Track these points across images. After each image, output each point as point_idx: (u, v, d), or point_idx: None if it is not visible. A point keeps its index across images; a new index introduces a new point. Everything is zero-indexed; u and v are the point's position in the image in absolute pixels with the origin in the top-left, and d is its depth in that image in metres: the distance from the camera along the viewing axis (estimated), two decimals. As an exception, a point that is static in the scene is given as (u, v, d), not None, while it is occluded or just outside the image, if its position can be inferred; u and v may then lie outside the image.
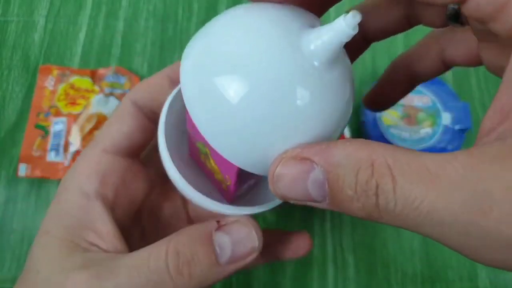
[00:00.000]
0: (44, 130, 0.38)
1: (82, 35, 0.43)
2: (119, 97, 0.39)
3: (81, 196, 0.20)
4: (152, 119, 0.22)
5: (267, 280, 0.36)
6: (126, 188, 0.22)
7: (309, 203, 0.15)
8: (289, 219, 0.37)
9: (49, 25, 0.43)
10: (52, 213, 0.20)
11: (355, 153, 0.13)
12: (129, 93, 0.22)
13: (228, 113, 0.14)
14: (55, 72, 0.40)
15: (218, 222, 0.19)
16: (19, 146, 0.38)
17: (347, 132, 0.36)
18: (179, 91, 0.21)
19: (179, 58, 0.45)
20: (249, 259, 0.19)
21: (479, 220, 0.11)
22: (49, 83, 0.40)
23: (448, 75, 0.42)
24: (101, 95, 0.39)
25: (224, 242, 0.18)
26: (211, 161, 0.20)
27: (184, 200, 0.26)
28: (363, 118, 0.38)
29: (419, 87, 0.39)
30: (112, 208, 0.21)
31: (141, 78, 0.41)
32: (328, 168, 0.13)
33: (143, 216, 0.24)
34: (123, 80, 0.40)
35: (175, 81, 0.22)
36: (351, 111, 0.18)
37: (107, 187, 0.21)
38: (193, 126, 0.17)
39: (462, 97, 0.41)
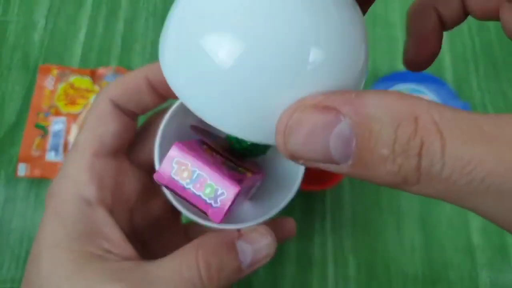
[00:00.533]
0: (44, 130, 0.38)
1: (82, 35, 0.43)
2: (119, 97, 0.39)
3: (82, 203, 0.20)
4: (132, 117, 0.22)
5: (268, 279, 0.36)
6: (120, 190, 0.22)
7: (324, 166, 0.12)
8: (289, 219, 0.37)
9: (49, 25, 0.43)
10: (54, 225, 0.19)
11: (394, 105, 0.11)
12: (106, 93, 0.22)
13: (227, 64, 0.11)
14: (55, 71, 0.40)
15: (239, 231, 0.20)
16: (19, 146, 0.38)
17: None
18: (174, 111, 0.21)
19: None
20: (265, 262, 0.20)
21: None
22: (49, 82, 0.40)
23: (449, 75, 0.42)
24: (100, 95, 0.39)
25: (246, 250, 0.20)
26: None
27: None
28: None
29: (419, 87, 0.39)
30: (111, 211, 0.21)
31: (141, 78, 0.41)
32: (359, 121, 0.11)
33: (135, 217, 0.24)
34: (123, 79, 0.40)
35: (152, 82, 0.22)
36: (367, 63, 0.14)
37: (104, 191, 0.21)
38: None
39: (462, 96, 0.41)
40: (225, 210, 0.18)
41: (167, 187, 0.18)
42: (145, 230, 0.24)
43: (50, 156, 0.37)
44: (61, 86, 0.40)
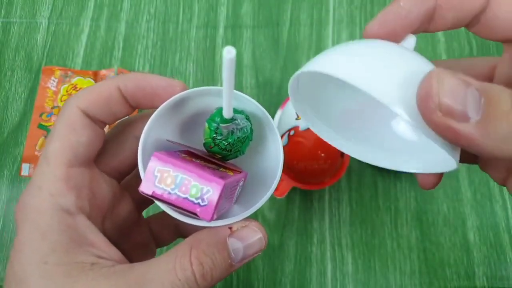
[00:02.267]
0: (47, 130, 0.39)
1: (84, 37, 0.43)
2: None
3: (63, 214, 0.19)
4: (101, 126, 0.22)
5: (267, 277, 0.36)
6: (95, 197, 0.22)
7: (453, 125, 0.15)
8: (289, 218, 0.38)
9: (52, 27, 0.44)
10: (36, 240, 0.19)
11: (501, 86, 0.15)
12: (75, 100, 0.21)
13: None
14: (58, 73, 0.41)
15: (230, 228, 0.21)
16: (22, 146, 0.39)
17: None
18: (149, 126, 0.21)
19: (180, 58, 0.46)
20: (257, 255, 0.21)
21: None
22: (51, 83, 0.41)
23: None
24: (103, 96, 0.40)
25: (238, 248, 0.20)
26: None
27: (136, 201, 0.27)
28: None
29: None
30: (89, 218, 0.21)
31: (143, 79, 0.42)
32: (484, 88, 0.15)
33: (106, 221, 0.24)
34: (125, 81, 0.41)
35: (123, 92, 0.22)
36: None
37: (82, 200, 0.21)
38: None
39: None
40: (213, 207, 0.18)
41: (153, 197, 0.19)
42: (115, 234, 0.24)
43: (54, 156, 0.37)
44: (63, 87, 0.40)
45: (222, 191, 0.18)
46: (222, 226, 0.21)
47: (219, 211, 0.20)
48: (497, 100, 0.15)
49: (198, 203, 0.18)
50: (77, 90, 0.40)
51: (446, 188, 0.39)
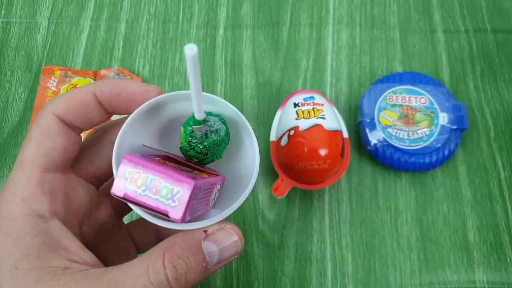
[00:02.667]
0: (47, 130, 0.39)
1: (84, 37, 0.43)
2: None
3: (35, 219, 0.19)
4: (77, 132, 0.22)
5: (267, 277, 0.36)
6: (70, 203, 0.22)
7: None
8: (289, 218, 0.38)
9: (52, 27, 0.44)
10: (8, 246, 0.19)
11: None
12: (51, 107, 0.21)
13: None
14: (58, 73, 0.41)
15: (205, 231, 0.20)
16: (22, 146, 0.39)
17: (345, 133, 0.37)
18: (126, 126, 0.21)
19: (180, 58, 0.46)
20: (234, 259, 0.21)
21: None
22: (51, 83, 0.41)
23: (445, 76, 0.43)
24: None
25: (213, 251, 0.20)
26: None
27: (116, 207, 0.27)
28: (360, 119, 0.39)
29: (416, 88, 0.39)
30: (64, 223, 0.21)
31: (143, 78, 0.42)
32: None
33: (84, 226, 0.24)
34: (125, 81, 0.41)
35: (99, 98, 0.22)
36: None
37: (57, 205, 0.21)
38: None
39: (459, 97, 0.42)
40: (184, 207, 0.18)
41: (124, 199, 0.19)
42: (93, 238, 0.24)
43: (54, 156, 0.37)
44: (63, 87, 0.40)
45: (192, 191, 0.18)
46: (197, 229, 0.21)
47: (193, 213, 0.20)
48: None
49: (169, 204, 0.18)
50: (77, 90, 0.40)
51: (446, 188, 0.39)
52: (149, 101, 0.22)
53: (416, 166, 0.38)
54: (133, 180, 0.19)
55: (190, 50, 0.16)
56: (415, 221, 0.38)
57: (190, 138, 0.21)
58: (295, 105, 0.36)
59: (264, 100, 0.42)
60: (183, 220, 0.18)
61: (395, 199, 0.39)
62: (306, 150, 0.34)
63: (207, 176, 0.21)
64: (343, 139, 0.36)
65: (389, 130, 0.38)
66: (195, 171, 0.21)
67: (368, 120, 0.38)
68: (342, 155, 0.36)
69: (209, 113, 0.22)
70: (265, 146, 0.39)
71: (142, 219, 0.28)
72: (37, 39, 0.43)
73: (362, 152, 0.40)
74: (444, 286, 0.36)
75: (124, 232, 0.27)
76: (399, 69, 0.43)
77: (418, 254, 0.37)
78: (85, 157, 0.24)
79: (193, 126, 0.21)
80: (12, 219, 0.19)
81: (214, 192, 0.23)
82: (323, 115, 0.35)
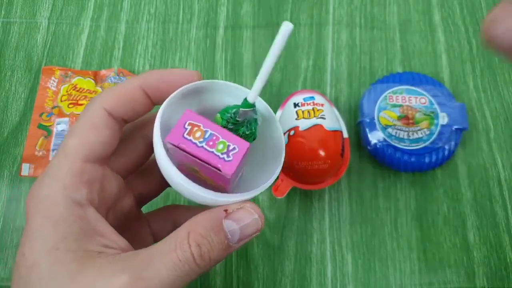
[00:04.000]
0: (47, 130, 0.39)
1: (84, 37, 0.43)
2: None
3: (74, 206, 0.21)
4: (120, 125, 0.24)
5: (267, 277, 0.36)
6: (104, 192, 0.23)
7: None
8: (289, 218, 0.38)
9: (52, 27, 0.44)
10: (49, 229, 0.20)
11: None
12: (100, 100, 0.23)
13: None
14: (58, 73, 0.41)
15: (225, 210, 0.21)
16: (22, 146, 0.39)
17: (345, 133, 0.37)
18: (166, 106, 0.22)
19: (180, 58, 0.46)
20: (255, 236, 0.22)
21: None
22: (51, 83, 0.41)
23: (445, 76, 0.43)
24: (103, 96, 0.40)
25: (234, 229, 0.21)
26: (202, 175, 0.22)
27: (136, 198, 0.28)
28: (360, 119, 0.39)
29: (416, 88, 0.39)
30: (97, 211, 0.22)
31: (143, 79, 0.42)
32: None
33: (110, 215, 0.25)
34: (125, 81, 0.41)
35: (146, 90, 0.23)
36: None
37: (93, 193, 0.22)
38: (184, 156, 0.20)
39: (459, 97, 0.42)
40: (237, 163, 0.20)
41: (178, 147, 0.20)
42: (115, 226, 0.25)
43: (54, 156, 0.38)
44: (63, 87, 0.40)
45: (247, 151, 0.20)
46: (219, 207, 0.22)
47: (236, 175, 0.21)
48: None
49: (223, 158, 0.20)
50: (77, 90, 0.40)
51: (446, 188, 0.39)
52: (190, 84, 0.23)
53: (416, 166, 0.38)
54: (192, 132, 0.20)
55: (287, 25, 0.18)
56: (415, 221, 0.38)
57: (226, 124, 0.22)
58: (295, 105, 0.36)
59: (264, 100, 0.42)
60: (232, 175, 0.20)
61: (395, 199, 0.39)
62: (306, 150, 0.34)
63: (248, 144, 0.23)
64: (343, 139, 0.36)
65: (389, 130, 0.38)
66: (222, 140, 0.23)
67: (368, 120, 0.38)
68: (342, 155, 0.36)
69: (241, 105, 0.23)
70: (265, 146, 0.39)
71: (160, 210, 0.30)
72: (37, 39, 0.43)
73: (362, 152, 0.40)
74: (444, 286, 0.36)
75: (143, 222, 0.28)
76: (399, 69, 0.43)
77: (418, 254, 0.37)
78: (117, 150, 0.25)
79: (241, 109, 0.22)
80: (53, 204, 0.20)
81: (242, 167, 0.23)
82: (323, 115, 0.35)
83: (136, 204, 0.27)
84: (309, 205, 0.38)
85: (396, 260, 0.37)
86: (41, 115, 0.39)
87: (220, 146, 0.20)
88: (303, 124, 0.35)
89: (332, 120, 0.35)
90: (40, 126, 0.39)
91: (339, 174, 0.36)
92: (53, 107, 0.40)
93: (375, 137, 0.38)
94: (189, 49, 0.43)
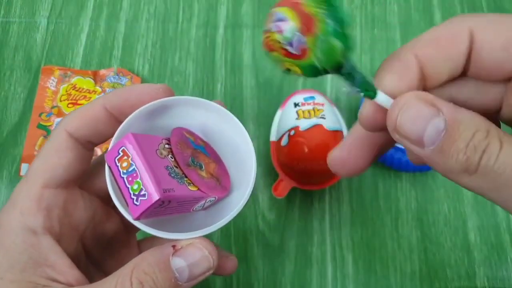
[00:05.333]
0: (46, 130, 0.39)
1: (83, 36, 0.43)
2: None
3: (28, 233, 0.20)
4: (88, 148, 0.23)
5: (267, 277, 0.36)
6: (69, 218, 0.22)
7: (411, 146, 0.16)
8: (289, 219, 0.38)
9: (51, 26, 0.44)
10: (0, 256, 0.20)
11: (478, 119, 0.15)
12: (63, 123, 0.22)
13: None
14: (57, 72, 0.41)
15: (174, 246, 0.20)
16: (21, 146, 0.39)
17: (345, 133, 0.37)
18: (122, 130, 0.21)
19: (180, 58, 0.46)
20: (207, 275, 0.20)
21: None
22: (50, 83, 0.40)
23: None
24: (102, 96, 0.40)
25: (182, 267, 0.20)
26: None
27: (125, 222, 0.26)
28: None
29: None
30: (59, 240, 0.21)
31: (142, 78, 0.42)
32: (452, 121, 0.15)
33: (87, 241, 0.24)
34: (125, 80, 0.41)
35: (110, 110, 0.22)
36: None
37: (52, 220, 0.21)
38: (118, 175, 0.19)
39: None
40: (141, 211, 0.18)
41: (109, 167, 0.19)
42: (99, 252, 0.24)
43: (53, 156, 0.37)
44: (63, 87, 0.40)
45: (155, 203, 0.18)
46: (168, 242, 0.20)
47: (155, 216, 0.20)
48: (457, 137, 0.15)
49: (133, 200, 0.19)
50: (77, 90, 0.40)
51: (447, 188, 0.39)
52: (154, 102, 0.22)
53: (416, 166, 0.38)
54: (121, 159, 0.19)
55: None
56: (416, 222, 0.38)
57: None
58: (295, 105, 0.36)
59: (264, 100, 0.42)
60: (135, 219, 0.19)
61: (396, 199, 0.39)
62: (306, 150, 0.34)
63: (194, 189, 0.21)
64: (343, 139, 0.36)
65: (390, 130, 0.38)
66: (186, 179, 0.21)
67: (368, 120, 0.38)
68: (342, 155, 0.36)
69: None
70: (265, 146, 0.39)
71: (152, 236, 0.27)
72: (36, 39, 0.43)
73: (362, 152, 0.40)
74: (444, 286, 0.36)
75: (134, 248, 0.27)
76: (399, 69, 0.43)
77: (419, 254, 0.37)
78: (94, 172, 0.24)
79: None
80: (7, 230, 0.20)
81: (202, 203, 0.22)
82: (323, 115, 0.35)
83: (124, 229, 0.26)
84: (309, 205, 0.38)
85: (396, 260, 0.37)
86: (40, 115, 0.39)
87: (135, 186, 0.19)
88: (303, 124, 0.35)
89: (332, 120, 0.35)
90: (40, 126, 0.39)
91: (339, 176, 0.36)
92: (53, 107, 0.39)
93: (375, 137, 0.38)
94: (188, 49, 0.43)
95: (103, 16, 0.44)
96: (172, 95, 0.23)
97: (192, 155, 0.23)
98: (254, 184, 0.22)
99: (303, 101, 0.36)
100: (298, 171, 0.35)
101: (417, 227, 0.38)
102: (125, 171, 0.19)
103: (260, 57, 0.43)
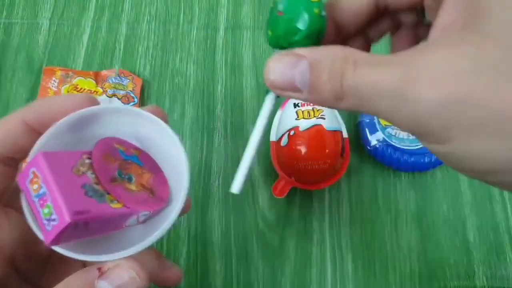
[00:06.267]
0: (48, 130, 0.39)
1: (85, 38, 0.44)
2: (122, 98, 0.40)
3: None
4: (9, 164, 0.21)
5: (267, 277, 0.36)
6: None
7: (292, 94, 0.18)
8: (289, 219, 0.38)
9: (53, 28, 0.44)
10: None
11: (334, 51, 0.17)
12: None
13: None
14: (59, 73, 0.41)
15: (99, 269, 0.19)
16: (23, 146, 0.39)
17: (345, 133, 0.37)
18: (40, 147, 0.20)
19: (181, 59, 0.46)
20: None
21: (406, 87, 0.15)
22: (52, 84, 0.41)
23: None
24: (104, 96, 0.40)
25: None
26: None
27: None
28: (360, 119, 0.39)
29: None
30: None
31: (144, 79, 0.42)
32: (312, 60, 0.17)
33: (19, 262, 0.23)
34: (126, 81, 0.41)
35: (30, 123, 0.21)
36: None
37: None
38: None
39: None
40: (52, 237, 0.17)
41: (23, 191, 0.18)
42: (36, 271, 0.23)
43: (54, 156, 0.38)
44: (64, 88, 0.41)
45: (64, 228, 0.17)
46: (94, 265, 0.19)
47: (75, 238, 0.19)
48: (320, 73, 0.17)
49: (45, 224, 0.17)
50: (78, 91, 0.40)
51: (446, 188, 0.39)
52: (73, 114, 0.20)
53: (415, 166, 0.38)
54: (32, 181, 0.18)
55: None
56: (415, 222, 0.38)
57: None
58: (295, 105, 0.36)
59: (264, 100, 0.42)
60: (49, 245, 0.18)
61: (395, 199, 0.39)
62: (306, 150, 0.34)
63: (119, 207, 0.20)
64: (343, 139, 0.36)
65: (389, 130, 0.38)
66: (108, 195, 0.20)
67: (367, 120, 0.39)
68: (342, 155, 0.36)
69: None
70: (265, 146, 0.40)
71: None
72: (38, 40, 0.43)
73: (362, 152, 0.40)
74: (444, 286, 0.36)
75: (76, 263, 0.25)
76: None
77: (418, 254, 0.37)
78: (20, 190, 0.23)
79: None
80: None
81: (134, 218, 0.21)
82: (323, 115, 0.35)
83: None
84: (309, 205, 0.38)
85: (396, 260, 0.37)
86: (42, 115, 0.39)
87: (46, 210, 0.17)
88: (303, 124, 0.35)
89: (331, 120, 0.36)
90: (41, 126, 0.39)
91: (339, 174, 0.36)
92: (54, 107, 0.40)
93: (374, 137, 0.38)
94: (189, 50, 0.44)
95: (104, 18, 0.45)
96: (96, 104, 0.22)
97: (119, 167, 0.21)
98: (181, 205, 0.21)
99: (303, 102, 0.36)
100: (298, 171, 0.35)
101: (416, 227, 0.38)
102: (36, 194, 0.18)
103: (260, 58, 0.43)
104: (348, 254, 0.37)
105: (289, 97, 0.19)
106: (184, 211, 0.22)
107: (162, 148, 0.22)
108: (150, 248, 0.23)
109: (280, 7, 0.19)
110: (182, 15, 0.45)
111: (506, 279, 0.36)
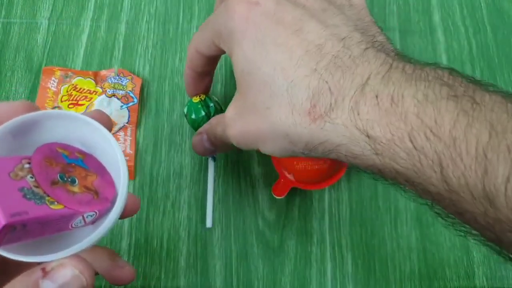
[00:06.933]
0: (47, 131, 0.39)
1: (84, 37, 0.43)
2: (121, 98, 0.40)
3: None
4: None
5: (267, 277, 0.36)
6: None
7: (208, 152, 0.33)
8: (289, 218, 0.38)
9: (52, 27, 0.44)
10: None
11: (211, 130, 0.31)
12: None
13: None
14: (58, 73, 0.41)
15: (43, 269, 0.19)
16: (23, 146, 0.39)
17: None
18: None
19: (181, 58, 0.46)
20: None
21: None
22: (52, 84, 0.41)
23: (445, 76, 0.43)
24: (103, 96, 0.40)
25: None
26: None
27: None
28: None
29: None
30: None
31: (143, 79, 0.42)
32: (208, 131, 0.31)
33: None
34: (125, 81, 0.41)
35: None
36: None
37: None
38: None
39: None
40: None
41: None
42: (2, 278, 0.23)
43: (54, 156, 0.37)
44: (64, 88, 0.40)
45: (2, 229, 0.17)
46: (38, 266, 0.19)
47: (19, 240, 0.19)
48: (209, 137, 0.33)
49: None
50: (78, 91, 0.40)
51: (446, 188, 0.39)
52: (13, 120, 0.20)
53: (416, 166, 0.38)
54: None
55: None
56: (415, 221, 0.38)
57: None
58: (295, 105, 0.36)
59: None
60: None
61: (395, 199, 0.39)
62: (306, 150, 0.34)
63: (59, 207, 0.20)
64: (343, 139, 0.36)
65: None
66: (48, 198, 0.20)
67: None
68: (342, 155, 0.36)
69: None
70: (265, 146, 0.39)
71: None
72: (37, 40, 0.43)
73: (362, 152, 0.40)
74: (443, 286, 0.36)
75: (33, 265, 0.26)
76: (399, 69, 0.43)
77: (418, 254, 0.37)
78: None
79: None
80: None
81: (80, 219, 0.21)
82: (323, 115, 0.35)
83: None
84: (309, 205, 0.38)
85: (396, 260, 0.37)
86: (41, 115, 0.39)
87: None
88: (303, 124, 0.35)
89: (332, 120, 0.35)
90: (40, 127, 0.39)
91: (339, 174, 0.36)
92: (54, 108, 0.40)
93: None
94: (189, 50, 0.43)
95: (103, 17, 0.44)
96: (36, 110, 0.21)
97: (62, 171, 0.21)
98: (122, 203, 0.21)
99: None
100: (298, 171, 0.35)
101: (416, 227, 0.38)
102: None
103: (260, 57, 0.43)
104: (348, 254, 0.37)
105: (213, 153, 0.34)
106: (131, 212, 0.23)
107: (104, 150, 0.23)
108: (104, 248, 0.24)
109: (185, 110, 0.36)
110: (181, 14, 0.45)
111: (506, 279, 0.37)
